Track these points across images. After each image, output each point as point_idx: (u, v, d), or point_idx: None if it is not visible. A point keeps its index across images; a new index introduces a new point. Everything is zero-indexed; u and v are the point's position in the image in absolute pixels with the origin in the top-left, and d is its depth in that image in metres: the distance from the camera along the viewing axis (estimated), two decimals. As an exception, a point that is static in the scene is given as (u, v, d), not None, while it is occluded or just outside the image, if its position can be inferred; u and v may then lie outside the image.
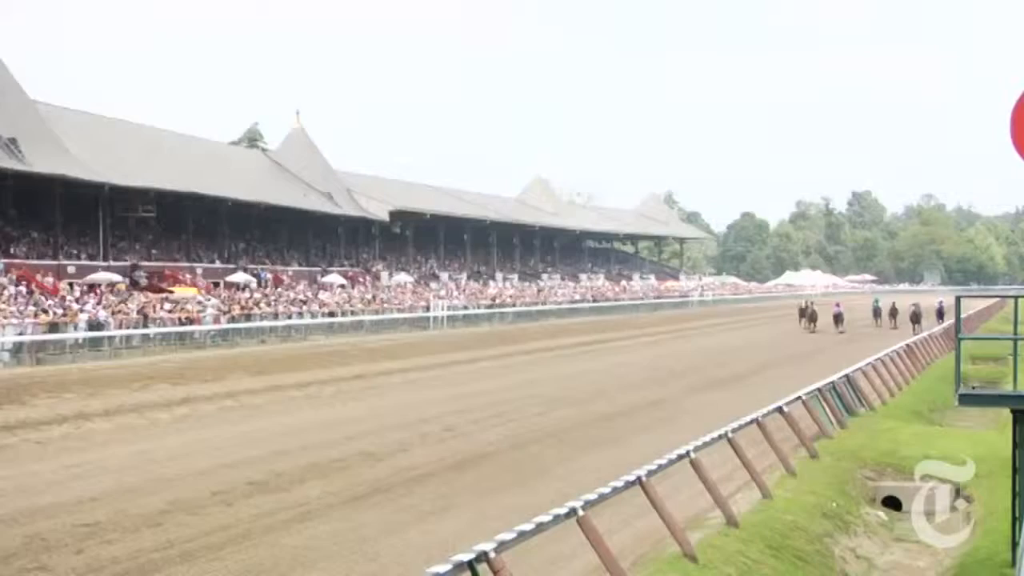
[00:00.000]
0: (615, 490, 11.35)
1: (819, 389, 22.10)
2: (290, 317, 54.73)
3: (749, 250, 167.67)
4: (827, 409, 22.13)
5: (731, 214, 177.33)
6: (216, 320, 49.65)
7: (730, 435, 15.01)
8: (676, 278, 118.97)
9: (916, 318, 53.89)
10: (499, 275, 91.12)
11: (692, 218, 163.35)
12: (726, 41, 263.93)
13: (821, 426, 21.00)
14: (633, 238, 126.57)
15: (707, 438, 14.27)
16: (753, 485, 15.47)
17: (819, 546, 14.36)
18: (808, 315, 59.55)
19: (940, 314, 57.33)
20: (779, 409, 18.32)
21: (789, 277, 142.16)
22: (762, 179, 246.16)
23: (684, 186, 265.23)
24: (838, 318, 57.92)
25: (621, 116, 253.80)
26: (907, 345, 34.46)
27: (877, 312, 63.56)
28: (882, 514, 17.28)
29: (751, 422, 16.39)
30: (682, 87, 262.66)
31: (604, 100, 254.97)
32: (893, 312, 61.15)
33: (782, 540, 13.79)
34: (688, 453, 13.32)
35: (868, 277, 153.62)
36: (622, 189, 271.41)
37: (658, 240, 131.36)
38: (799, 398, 20.10)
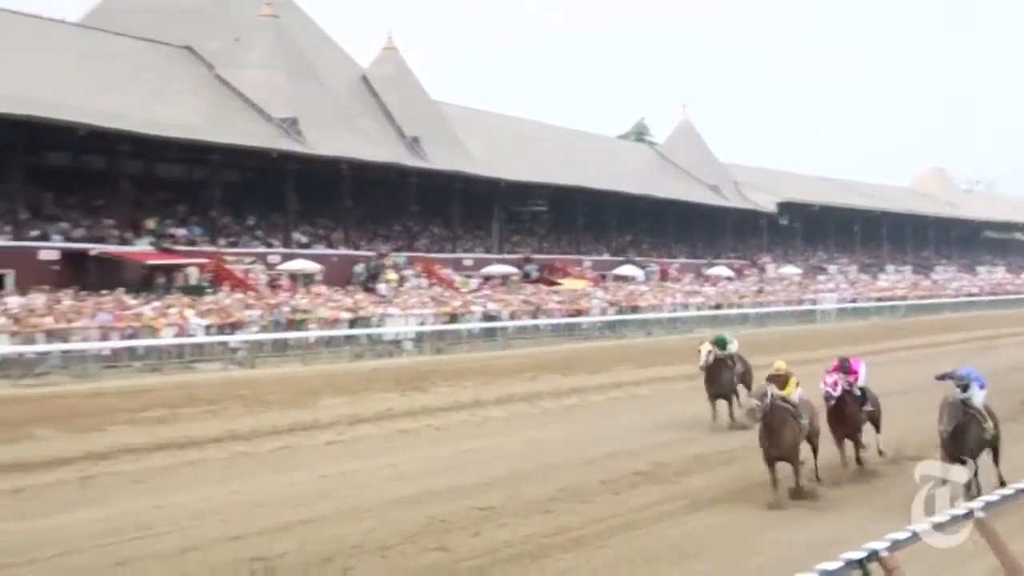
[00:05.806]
0: (1018, 492, 10.71)
1: None
2: (675, 310, 55.04)
3: None
4: None
5: None
6: (603, 312, 50.66)
7: None
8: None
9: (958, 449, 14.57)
10: (890, 267, 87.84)
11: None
12: None
13: None
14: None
15: None
16: None
17: None
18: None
19: None
20: None
21: None
22: None
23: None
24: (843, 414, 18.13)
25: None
26: None
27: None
28: None
29: None
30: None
31: (1009, 80, 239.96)
32: None
33: None
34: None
35: None
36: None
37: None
38: None
